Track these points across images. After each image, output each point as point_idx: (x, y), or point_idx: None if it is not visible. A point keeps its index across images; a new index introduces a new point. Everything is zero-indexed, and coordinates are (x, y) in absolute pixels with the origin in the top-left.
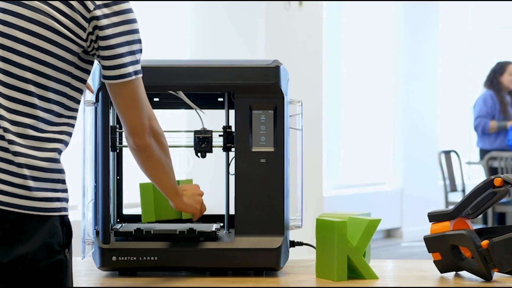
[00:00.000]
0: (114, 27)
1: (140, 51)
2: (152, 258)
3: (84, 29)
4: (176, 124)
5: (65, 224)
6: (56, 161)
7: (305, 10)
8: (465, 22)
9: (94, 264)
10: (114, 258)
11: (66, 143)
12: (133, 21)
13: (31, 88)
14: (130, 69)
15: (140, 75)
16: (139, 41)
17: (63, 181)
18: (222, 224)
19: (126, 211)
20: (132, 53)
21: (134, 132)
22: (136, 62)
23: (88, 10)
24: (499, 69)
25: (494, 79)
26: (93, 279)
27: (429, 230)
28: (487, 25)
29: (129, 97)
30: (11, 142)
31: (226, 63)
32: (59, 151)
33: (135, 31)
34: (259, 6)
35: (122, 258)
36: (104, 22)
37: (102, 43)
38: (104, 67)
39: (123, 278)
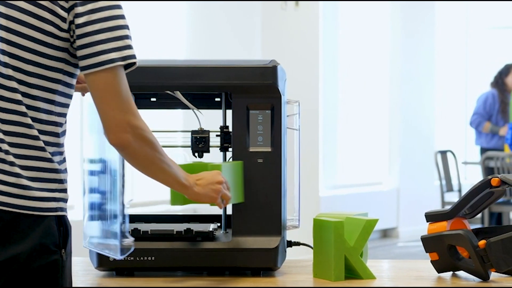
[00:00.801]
0: (90, 14)
1: (128, 37)
2: (150, 258)
3: (64, 19)
4: (173, 124)
5: (62, 225)
6: (49, 160)
7: (302, 10)
8: (461, 22)
9: (91, 264)
10: (111, 258)
11: (57, 144)
12: (113, 7)
13: (14, 85)
14: (113, 55)
15: (131, 60)
16: (124, 27)
17: (60, 181)
18: (219, 224)
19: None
20: (117, 39)
21: (108, 128)
22: (124, 47)
23: (66, 0)
24: (505, 70)
25: (499, 80)
26: (90, 279)
27: (425, 230)
28: (482, 25)
29: (105, 86)
30: (2, 141)
31: (223, 63)
32: (51, 151)
33: (117, 17)
34: (256, 6)
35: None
36: (80, 9)
37: (78, 31)
38: (82, 57)
39: (120, 278)
